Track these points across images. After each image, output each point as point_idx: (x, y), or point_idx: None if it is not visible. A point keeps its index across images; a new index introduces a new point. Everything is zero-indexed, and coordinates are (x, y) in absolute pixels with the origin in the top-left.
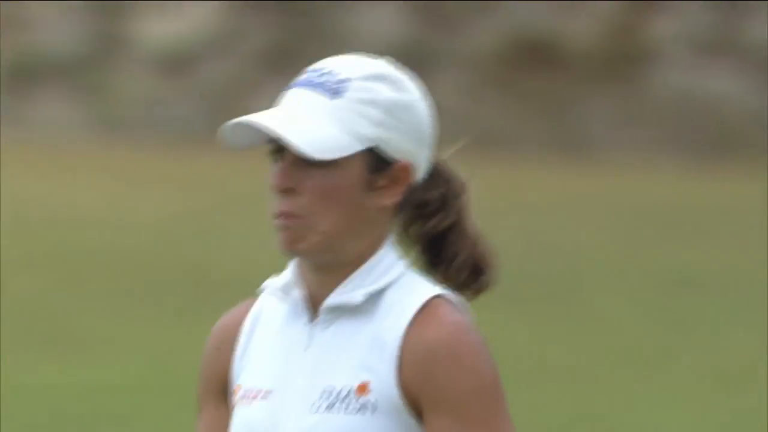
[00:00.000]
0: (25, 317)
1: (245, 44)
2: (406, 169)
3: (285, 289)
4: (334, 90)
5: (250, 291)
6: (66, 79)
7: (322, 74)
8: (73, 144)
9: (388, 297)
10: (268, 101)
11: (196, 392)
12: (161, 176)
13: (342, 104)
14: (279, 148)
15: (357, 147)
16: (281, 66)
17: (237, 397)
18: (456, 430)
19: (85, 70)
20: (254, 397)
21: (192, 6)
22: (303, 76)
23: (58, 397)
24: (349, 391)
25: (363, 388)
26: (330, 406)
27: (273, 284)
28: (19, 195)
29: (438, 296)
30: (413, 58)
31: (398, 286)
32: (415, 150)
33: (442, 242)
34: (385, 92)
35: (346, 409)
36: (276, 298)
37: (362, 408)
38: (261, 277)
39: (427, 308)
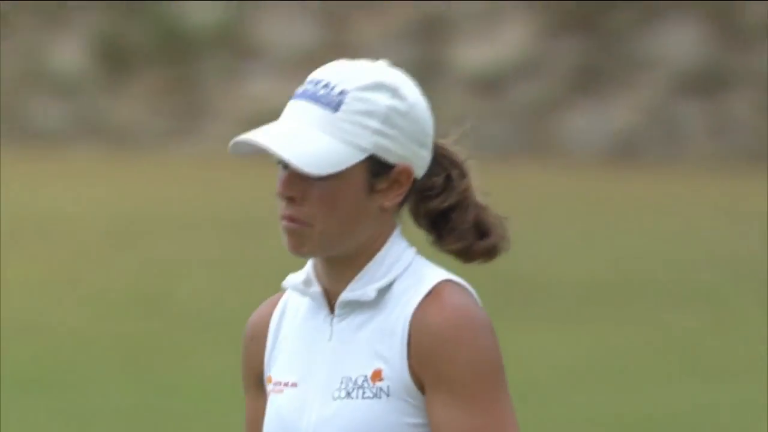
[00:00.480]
0: None
1: (554, 66)
2: (406, 172)
3: (305, 284)
4: (334, 103)
5: None
6: None
7: (322, 86)
8: None
9: (397, 287)
10: (576, 119)
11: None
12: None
13: (342, 116)
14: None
15: (357, 157)
16: (588, 86)
17: (269, 388)
18: (453, 407)
19: None
20: (284, 387)
21: (504, 32)
22: (303, 88)
23: None
24: (364, 379)
25: (377, 375)
26: (348, 394)
27: (294, 280)
28: None
29: (445, 281)
30: (712, 77)
31: (406, 276)
32: (414, 152)
33: (447, 218)
34: (382, 101)
35: (363, 395)
36: (299, 295)
37: (377, 393)
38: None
39: (432, 293)
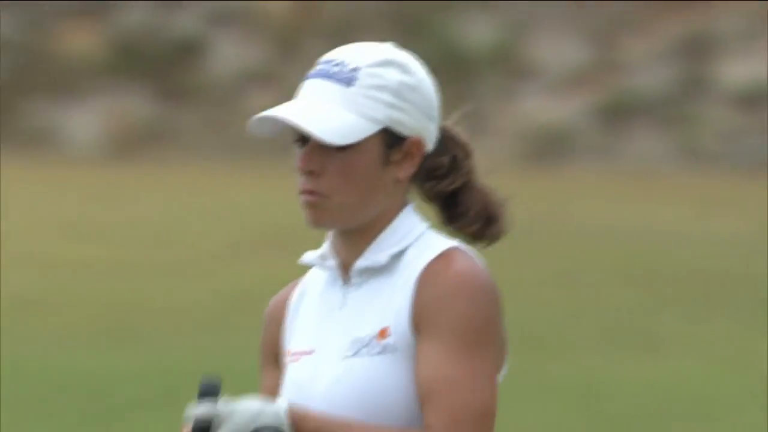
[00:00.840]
0: (610, 319)
1: None
2: (418, 144)
3: (322, 258)
4: (348, 79)
5: None
6: (656, 115)
7: (335, 65)
8: (659, 171)
9: (409, 254)
10: None
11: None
12: (733, 200)
13: (355, 91)
14: (303, 135)
15: (372, 129)
16: None
17: (287, 360)
18: (439, 353)
19: (672, 106)
20: (299, 356)
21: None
22: (317, 68)
23: (641, 393)
24: (372, 338)
25: (383, 333)
26: (356, 353)
27: (311, 255)
28: (604, 215)
29: (454, 247)
30: None
31: (418, 245)
32: (424, 125)
33: (456, 199)
34: (393, 76)
35: (370, 352)
36: (317, 268)
37: (383, 350)
38: None
39: (441, 256)
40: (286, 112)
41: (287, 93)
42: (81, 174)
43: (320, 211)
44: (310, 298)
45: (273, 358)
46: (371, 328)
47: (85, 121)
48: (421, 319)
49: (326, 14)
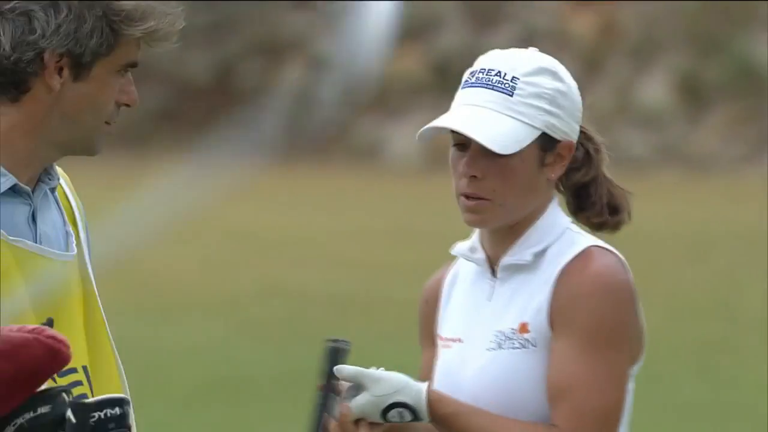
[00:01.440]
0: None
1: None
2: (569, 146)
3: (471, 251)
4: (509, 88)
5: None
6: None
7: (495, 74)
8: None
9: (551, 252)
10: None
11: None
12: None
13: (517, 99)
14: (464, 140)
15: (533, 136)
16: None
17: (440, 345)
18: (569, 353)
19: None
20: (451, 343)
21: None
22: (477, 77)
23: None
24: (513, 331)
25: (524, 328)
26: (499, 345)
27: (461, 247)
28: None
29: (595, 245)
30: None
31: (560, 242)
32: (573, 128)
33: (587, 191)
34: (548, 83)
35: (512, 346)
36: (466, 260)
37: (524, 344)
38: None
39: (581, 254)
40: (457, 122)
41: (591, 109)
42: (401, 184)
43: (483, 214)
44: (461, 287)
45: (430, 338)
46: (512, 323)
47: (405, 136)
48: (557, 316)
49: (626, 35)
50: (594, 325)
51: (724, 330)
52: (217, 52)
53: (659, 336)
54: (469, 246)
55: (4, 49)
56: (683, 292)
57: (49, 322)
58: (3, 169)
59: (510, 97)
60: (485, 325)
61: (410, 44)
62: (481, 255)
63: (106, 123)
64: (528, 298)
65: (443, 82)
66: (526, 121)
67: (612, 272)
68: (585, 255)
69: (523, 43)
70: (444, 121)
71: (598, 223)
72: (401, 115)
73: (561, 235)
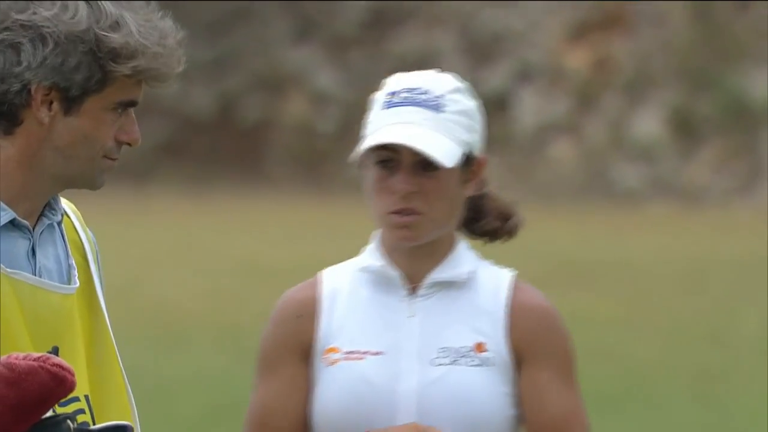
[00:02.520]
0: None
1: None
2: (483, 163)
3: (384, 268)
4: (436, 105)
5: None
6: None
7: (420, 92)
8: None
9: (482, 275)
10: None
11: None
12: None
13: (444, 116)
14: (392, 157)
15: (461, 151)
16: None
17: (336, 356)
18: (554, 383)
19: None
20: (364, 355)
21: None
22: (402, 96)
23: None
24: (469, 349)
25: (480, 347)
26: (454, 361)
27: (372, 264)
28: None
29: (517, 277)
30: None
31: (483, 265)
32: (483, 145)
33: (480, 203)
34: (466, 101)
35: (470, 363)
36: (375, 276)
37: (482, 362)
38: None
39: (518, 284)
40: (406, 137)
41: (586, 143)
42: None
43: (415, 230)
44: (354, 301)
45: (301, 353)
46: (463, 341)
47: None
48: (526, 346)
49: (620, 70)
50: (569, 357)
51: (719, 358)
52: (220, 86)
53: (655, 365)
54: (380, 264)
55: None
56: (678, 321)
57: (55, 351)
58: (1, 204)
59: (438, 114)
60: (416, 340)
61: None
62: (395, 272)
63: (107, 158)
64: (474, 319)
65: None
66: (455, 136)
67: (552, 304)
68: (524, 285)
69: (521, 77)
70: (394, 137)
71: (494, 231)
72: None
73: (477, 257)
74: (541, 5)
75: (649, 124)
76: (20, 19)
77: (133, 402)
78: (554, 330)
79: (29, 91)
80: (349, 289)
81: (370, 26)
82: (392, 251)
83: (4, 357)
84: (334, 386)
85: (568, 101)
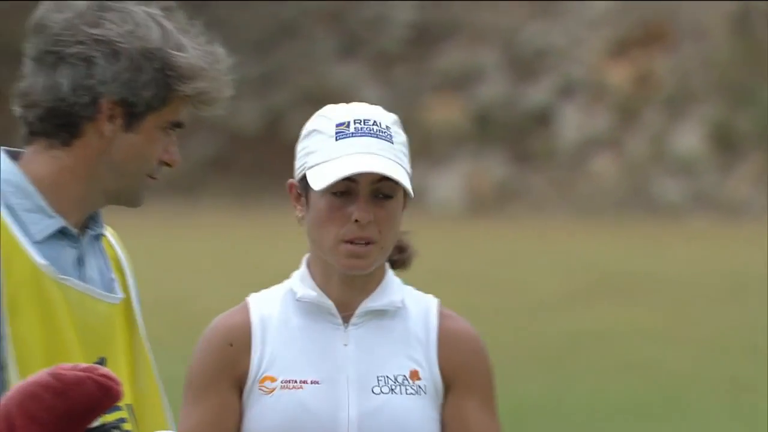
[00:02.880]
0: None
1: None
2: (408, 195)
3: (319, 300)
4: (388, 136)
5: None
6: None
7: (372, 124)
8: None
9: (409, 302)
10: None
11: (187, 384)
12: None
13: (395, 147)
14: (349, 187)
15: (408, 181)
16: None
17: (273, 385)
18: (481, 409)
19: None
20: (303, 385)
21: None
22: (355, 127)
23: None
24: (404, 378)
25: (415, 375)
26: (392, 390)
27: (308, 294)
28: None
29: (439, 303)
30: None
31: (408, 292)
32: None
33: None
34: (403, 134)
35: (406, 391)
36: (299, 304)
37: (418, 390)
38: None
39: (443, 311)
40: (378, 167)
41: (628, 157)
42: (443, 228)
43: (367, 258)
44: (284, 329)
45: (232, 381)
46: (398, 369)
47: (447, 182)
48: (455, 373)
49: (661, 85)
50: (491, 384)
51: (756, 370)
52: (267, 102)
53: (693, 376)
54: (316, 293)
55: (62, 92)
56: (716, 333)
57: (101, 361)
58: (53, 212)
59: (392, 145)
60: (353, 368)
61: (452, 95)
62: (329, 301)
63: (150, 177)
64: (407, 347)
65: (483, 132)
66: (405, 167)
67: (477, 332)
68: (449, 313)
69: (563, 93)
70: (368, 166)
71: (392, 262)
72: (444, 163)
73: (402, 284)
74: (583, 21)
75: (689, 138)
76: (94, 34)
77: (170, 415)
78: (481, 358)
79: (98, 104)
80: (280, 318)
81: (414, 43)
82: (325, 279)
83: (52, 367)
84: (273, 415)
85: (610, 116)
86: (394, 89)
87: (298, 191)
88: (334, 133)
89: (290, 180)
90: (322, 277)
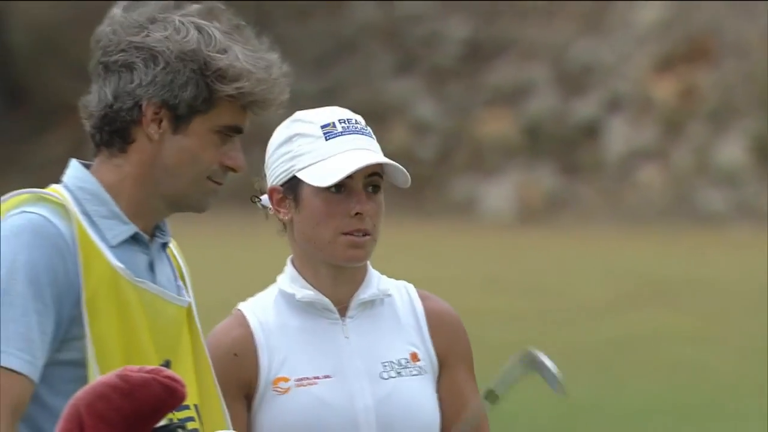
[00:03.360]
0: None
1: None
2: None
3: (316, 298)
4: (369, 134)
5: None
6: None
7: (355, 122)
8: None
9: (390, 289)
10: None
11: None
12: None
13: (377, 143)
14: (344, 182)
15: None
16: None
17: (288, 385)
18: (469, 377)
19: None
20: (316, 380)
21: None
22: (344, 126)
23: None
24: (407, 360)
25: (414, 357)
26: (398, 373)
27: (306, 295)
28: None
29: (413, 285)
30: None
31: (386, 281)
32: None
33: None
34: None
35: (411, 373)
36: (294, 305)
37: (419, 371)
38: None
39: (422, 293)
40: (379, 160)
41: (673, 168)
42: (494, 237)
43: (365, 249)
44: (285, 332)
45: (239, 390)
46: (400, 353)
47: (498, 193)
48: (448, 349)
49: (705, 99)
50: (471, 353)
51: None
52: None
53: (732, 378)
54: (310, 292)
55: (108, 99)
56: (755, 339)
57: (167, 363)
58: (126, 218)
59: (374, 141)
60: (358, 359)
61: (503, 109)
62: (325, 299)
63: (211, 180)
64: (401, 331)
65: (533, 144)
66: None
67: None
68: (427, 294)
69: (610, 107)
70: (368, 159)
71: None
72: (495, 174)
73: (379, 274)
74: (630, 38)
75: (732, 150)
76: (134, 41)
77: (228, 416)
78: (462, 331)
79: (140, 107)
80: (278, 321)
81: (467, 59)
82: (315, 276)
83: (119, 369)
84: (292, 412)
85: (656, 129)
86: (447, 104)
87: (282, 195)
88: (321, 134)
89: (270, 186)
90: (311, 274)
